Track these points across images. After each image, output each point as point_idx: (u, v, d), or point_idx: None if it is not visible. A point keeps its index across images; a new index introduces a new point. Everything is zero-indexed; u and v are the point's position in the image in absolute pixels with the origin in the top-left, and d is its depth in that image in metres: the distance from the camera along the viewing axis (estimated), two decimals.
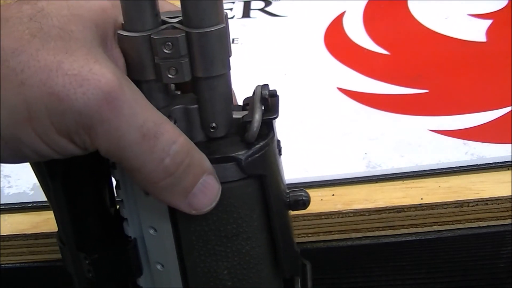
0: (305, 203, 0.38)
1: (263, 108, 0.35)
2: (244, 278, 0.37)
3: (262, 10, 0.78)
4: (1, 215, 0.49)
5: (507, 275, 0.50)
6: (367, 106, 0.58)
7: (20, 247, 0.48)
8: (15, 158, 0.32)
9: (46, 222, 0.48)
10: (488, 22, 0.71)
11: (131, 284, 0.39)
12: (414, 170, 0.50)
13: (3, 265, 0.49)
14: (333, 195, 0.48)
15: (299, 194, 0.37)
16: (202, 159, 0.32)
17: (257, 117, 0.34)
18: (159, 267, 0.37)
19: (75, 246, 0.37)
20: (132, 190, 0.35)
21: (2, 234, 0.47)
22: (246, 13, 0.78)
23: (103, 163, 0.36)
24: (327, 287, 0.50)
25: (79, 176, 0.35)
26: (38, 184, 0.51)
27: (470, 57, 0.65)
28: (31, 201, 0.50)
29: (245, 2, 0.80)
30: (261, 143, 0.34)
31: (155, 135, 0.30)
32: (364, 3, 0.78)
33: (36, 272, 0.49)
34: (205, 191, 0.32)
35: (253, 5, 0.80)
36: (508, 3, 0.75)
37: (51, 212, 0.49)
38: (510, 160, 0.49)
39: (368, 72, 0.64)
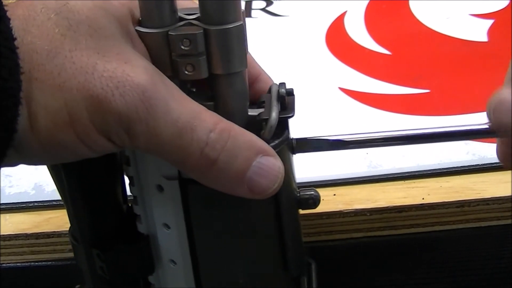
0: (315, 202, 0.38)
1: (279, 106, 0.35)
2: (256, 276, 0.37)
3: (263, 9, 0.79)
4: (2, 214, 0.49)
5: (508, 275, 0.50)
6: (369, 106, 0.58)
7: (21, 246, 0.48)
8: (50, 161, 0.32)
9: (47, 221, 0.48)
10: (489, 22, 0.71)
11: (142, 281, 0.39)
12: (415, 170, 0.50)
13: (4, 265, 0.49)
14: (334, 195, 0.48)
15: (309, 193, 0.38)
16: (252, 141, 0.32)
17: (274, 115, 0.34)
18: (171, 264, 0.37)
19: (88, 243, 0.37)
20: (146, 187, 0.35)
21: (3, 233, 0.47)
22: (247, 13, 0.78)
23: (117, 159, 0.36)
24: (327, 287, 0.50)
25: (94, 172, 0.36)
26: (39, 183, 0.51)
27: (472, 57, 0.65)
28: (32, 200, 0.50)
29: (246, 1, 0.81)
30: (276, 141, 0.34)
31: (192, 128, 0.30)
32: (365, 3, 0.78)
33: (37, 272, 0.49)
34: (262, 173, 0.32)
35: (255, 4, 0.80)
36: (509, 3, 0.75)
37: (53, 211, 0.49)
38: None
39: (369, 72, 0.64)
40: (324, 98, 0.60)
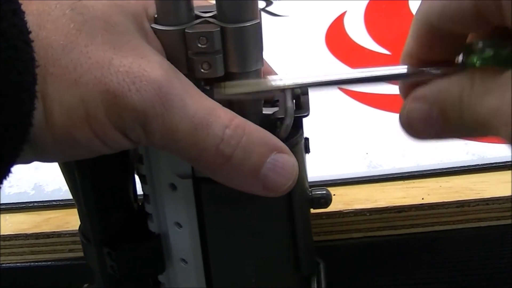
0: (327, 202, 0.38)
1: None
2: (268, 275, 0.37)
3: (263, 10, 0.79)
4: (2, 214, 0.49)
5: (508, 275, 0.50)
6: (369, 106, 0.58)
7: (21, 246, 0.48)
8: (64, 157, 0.32)
9: (47, 221, 0.48)
10: None
11: (152, 280, 0.39)
12: (415, 170, 0.50)
13: (4, 265, 0.49)
14: (334, 195, 0.48)
15: (321, 193, 0.38)
16: (267, 138, 0.32)
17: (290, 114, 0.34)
18: (182, 263, 0.37)
19: (99, 242, 0.37)
20: (159, 186, 0.35)
21: (3, 233, 0.48)
22: None
23: (128, 157, 0.36)
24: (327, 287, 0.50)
25: (107, 170, 0.36)
26: (39, 184, 0.51)
27: None
28: (32, 200, 0.50)
29: None
30: (291, 140, 0.34)
31: (207, 123, 0.30)
32: (365, 3, 0.78)
33: (37, 272, 0.49)
34: (277, 169, 0.31)
35: None
36: None
37: (52, 211, 0.49)
38: (511, 160, 0.49)
39: None
40: (324, 98, 0.60)
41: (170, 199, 0.36)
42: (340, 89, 0.62)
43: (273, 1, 0.80)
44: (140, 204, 0.38)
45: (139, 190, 0.38)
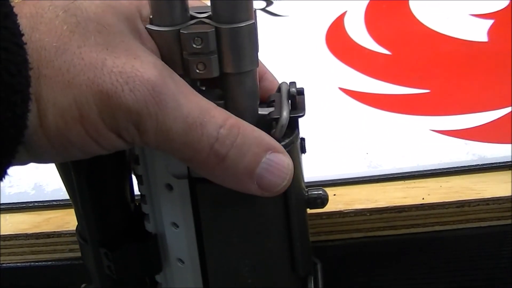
0: (323, 202, 0.38)
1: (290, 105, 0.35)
2: (265, 276, 0.37)
3: (263, 10, 0.79)
4: (2, 214, 0.49)
5: (508, 275, 0.50)
6: (369, 106, 0.58)
7: (21, 246, 0.48)
8: (60, 158, 0.32)
9: (47, 221, 0.48)
10: (489, 22, 0.72)
11: (149, 280, 0.39)
12: (415, 170, 0.50)
13: (4, 265, 0.49)
14: (334, 195, 0.48)
15: (318, 193, 0.38)
16: (261, 138, 0.32)
17: (285, 114, 0.34)
18: (179, 263, 0.37)
19: (96, 242, 0.37)
20: (155, 186, 0.35)
21: (3, 233, 0.48)
22: None
23: (125, 158, 0.36)
24: (327, 287, 0.50)
25: (104, 171, 0.36)
26: (39, 183, 0.51)
27: (472, 57, 0.65)
28: (32, 200, 0.50)
29: None
30: (287, 141, 0.34)
31: (201, 123, 0.30)
32: (365, 3, 0.78)
33: (37, 272, 0.49)
34: (272, 169, 0.32)
35: (255, 5, 0.79)
36: (509, 3, 0.75)
37: (52, 211, 0.49)
38: (511, 160, 0.49)
39: (369, 72, 0.64)
40: (324, 98, 0.60)
41: (167, 199, 0.36)
42: (341, 89, 0.62)
43: (273, 1, 0.80)
44: (137, 204, 0.38)
45: (137, 190, 0.38)
